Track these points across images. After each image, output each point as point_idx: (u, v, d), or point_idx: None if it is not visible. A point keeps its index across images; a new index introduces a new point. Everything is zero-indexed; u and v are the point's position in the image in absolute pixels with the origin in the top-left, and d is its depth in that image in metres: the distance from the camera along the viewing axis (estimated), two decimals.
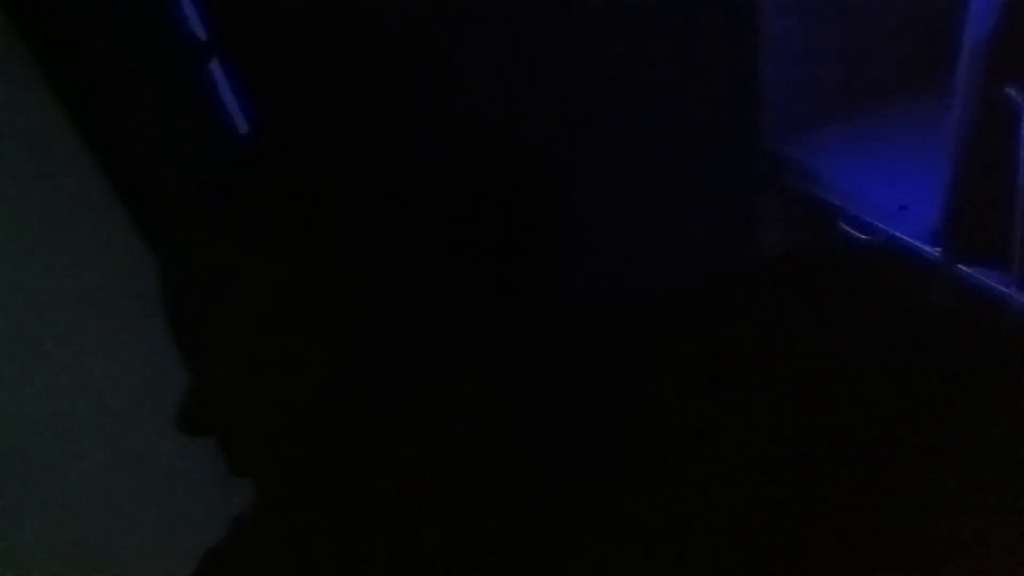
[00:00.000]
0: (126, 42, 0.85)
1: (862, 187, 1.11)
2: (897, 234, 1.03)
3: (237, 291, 0.63)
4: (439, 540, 0.64)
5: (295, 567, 0.66)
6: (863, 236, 1.05)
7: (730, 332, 0.87)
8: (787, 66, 1.20)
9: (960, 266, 0.96)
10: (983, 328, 0.92)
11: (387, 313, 0.64)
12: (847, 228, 1.08)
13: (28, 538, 0.97)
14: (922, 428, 0.79)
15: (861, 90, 1.25)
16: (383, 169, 0.70)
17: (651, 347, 0.83)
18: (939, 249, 0.97)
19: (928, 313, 0.96)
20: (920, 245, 1.00)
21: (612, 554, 0.65)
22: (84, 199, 0.89)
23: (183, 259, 0.67)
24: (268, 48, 0.88)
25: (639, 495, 0.68)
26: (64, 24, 0.83)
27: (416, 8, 0.94)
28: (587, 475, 0.69)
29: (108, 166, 0.88)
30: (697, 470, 0.71)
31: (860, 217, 1.08)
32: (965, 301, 0.94)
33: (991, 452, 0.75)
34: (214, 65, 0.85)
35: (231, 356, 0.63)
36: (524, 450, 0.68)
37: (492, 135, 0.87)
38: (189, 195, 0.78)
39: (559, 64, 1.06)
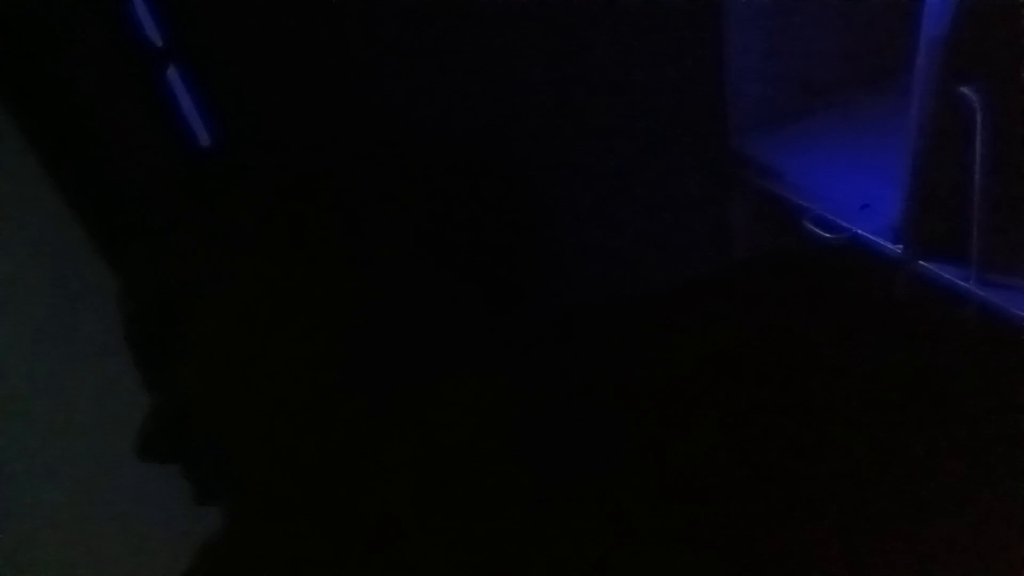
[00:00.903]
0: (79, 51, 0.83)
1: (825, 186, 1.12)
2: (860, 232, 1.04)
3: (215, 299, 0.61)
4: (433, 539, 0.64)
5: (290, 563, 0.65)
6: (827, 235, 1.06)
7: (697, 331, 0.87)
8: (750, 65, 1.22)
9: (921, 262, 0.97)
10: (945, 322, 0.93)
11: (378, 315, 0.63)
12: (812, 227, 1.09)
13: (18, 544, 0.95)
14: (890, 422, 0.80)
15: (822, 89, 1.27)
16: (366, 172, 0.69)
17: (627, 347, 0.83)
18: (901, 246, 0.99)
19: (891, 309, 0.97)
20: (883, 242, 1.01)
21: (608, 554, 0.65)
22: (37, 218, 0.88)
23: (147, 275, 0.66)
24: (228, 53, 0.87)
25: (632, 495, 0.69)
26: (13, 34, 0.81)
27: (384, 8, 0.94)
28: (580, 473, 0.69)
29: (64, 180, 0.86)
30: (678, 469, 0.71)
31: (824, 216, 1.09)
32: (927, 296, 0.95)
33: (959, 444, 0.76)
34: (171, 72, 0.84)
35: (210, 364, 0.61)
36: (518, 449, 0.67)
37: (457, 135, 0.87)
38: (152, 206, 0.77)
39: (524, 63, 1.06)
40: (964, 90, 0.85)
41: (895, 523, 0.71)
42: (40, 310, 0.90)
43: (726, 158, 1.24)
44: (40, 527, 0.97)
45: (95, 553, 1.00)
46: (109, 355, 0.92)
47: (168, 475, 0.95)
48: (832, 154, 1.17)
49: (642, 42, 1.13)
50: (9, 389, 0.91)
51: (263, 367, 0.60)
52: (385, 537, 0.63)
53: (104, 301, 0.90)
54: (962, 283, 0.92)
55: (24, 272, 0.89)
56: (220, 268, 0.62)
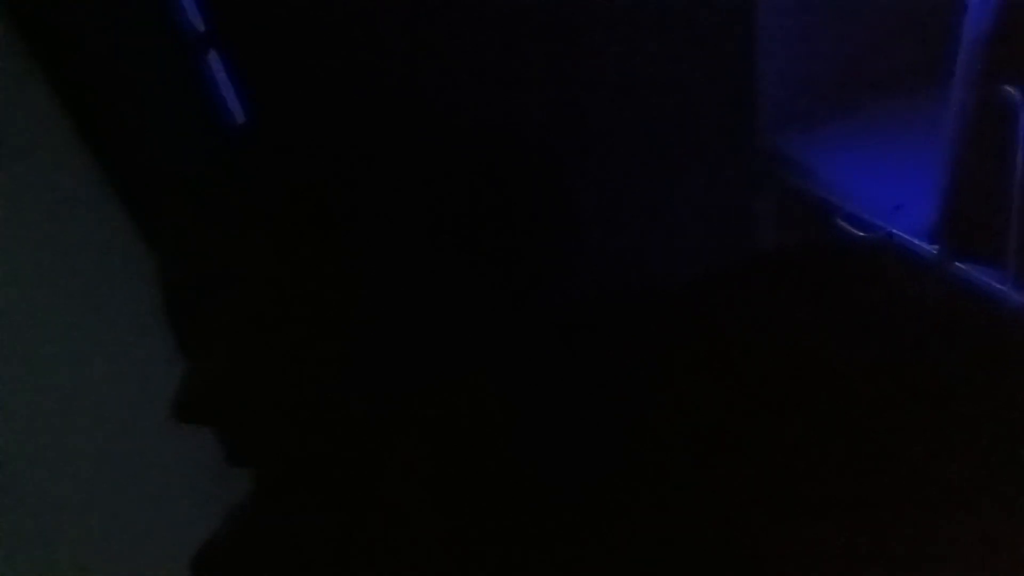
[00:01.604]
0: (123, 35, 0.84)
1: (859, 184, 1.11)
2: (894, 231, 1.03)
3: (237, 286, 0.62)
4: (437, 538, 0.64)
5: (292, 560, 0.66)
6: (860, 233, 1.05)
7: (727, 330, 0.87)
8: (784, 63, 1.21)
9: (957, 263, 0.96)
10: (980, 325, 0.92)
11: (387, 310, 0.64)
12: (844, 225, 1.08)
13: (25, 537, 0.97)
14: (920, 425, 0.79)
15: (859, 88, 1.25)
16: (382, 164, 0.70)
17: (649, 345, 0.83)
18: (936, 246, 0.98)
19: (925, 310, 0.96)
20: (917, 242, 1.00)
21: (611, 555, 0.65)
22: (81, 196, 0.89)
23: (181, 254, 0.67)
24: (267, 39, 0.88)
25: (637, 495, 0.68)
26: (60, 18, 0.83)
27: (418, 2, 0.94)
28: (585, 475, 0.69)
29: (105, 162, 0.88)
30: (695, 469, 0.71)
31: (857, 214, 1.08)
32: (962, 298, 0.94)
33: (990, 450, 0.75)
34: (212, 57, 0.85)
35: (229, 350, 0.63)
36: (523, 449, 0.68)
37: (490, 132, 0.87)
38: (187, 190, 0.78)
39: (557, 60, 1.06)
40: (1007, 88, 0.83)
41: (919, 524, 0.71)
42: (40, 311, 0.92)
43: (759, 155, 1.23)
44: (44, 525, 0.98)
45: (100, 550, 1.01)
46: (114, 354, 0.94)
47: (172, 472, 0.97)
48: (866, 153, 1.16)
49: (677, 40, 1.12)
50: (12, 388, 0.92)
51: (274, 358, 0.61)
52: (388, 534, 0.64)
53: (108, 300, 0.92)
54: (999, 286, 0.91)
55: (63, 254, 0.91)
56: (249, 251, 0.63)
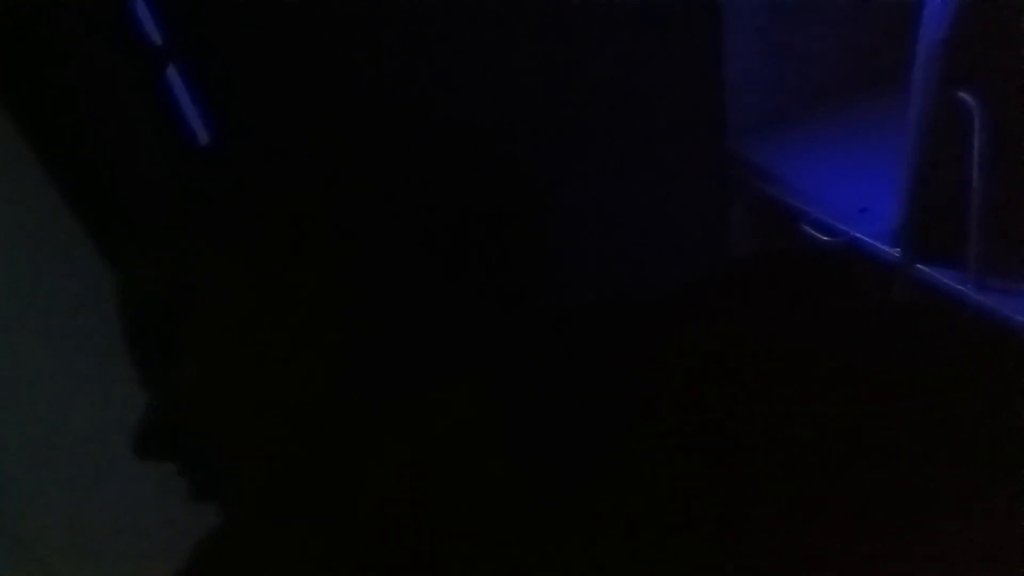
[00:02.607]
0: (78, 49, 0.83)
1: (823, 189, 1.12)
2: (858, 235, 1.05)
3: (213, 299, 0.61)
4: (429, 542, 0.64)
5: (280, 567, 0.65)
6: (825, 238, 1.07)
7: (698, 335, 0.87)
8: (748, 68, 1.22)
9: (919, 266, 0.97)
10: (942, 326, 0.94)
11: (371, 317, 0.63)
12: (810, 230, 1.09)
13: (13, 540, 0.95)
14: (885, 426, 0.80)
15: (821, 92, 1.27)
16: (357, 172, 0.69)
17: (625, 351, 0.83)
18: (899, 250, 0.99)
19: (889, 312, 0.97)
20: (880, 246, 1.01)
21: (605, 557, 0.65)
22: (39, 219, 0.87)
23: (144, 274, 0.65)
24: (228, 53, 0.87)
25: (631, 498, 0.68)
26: (11, 32, 0.81)
27: (383, 10, 0.94)
28: (576, 478, 0.68)
29: (64, 181, 0.86)
30: (679, 473, 0.71)
31: (821, 219, 1.09)
32: (925, 300, 0.95)
33: (955, 449, 0.76)
34: (171, 71, 0.84)
35: (206, 364, 0.61)
36: (513, 453, 0.67)
37: (462, 140, 0.87)
38: (151, 206, 0.77)
39: (530, 67, 1.06)
40: (962, 94, 0.85)
41: (890, 526, 0.71)
42: (39, 311, 0.90)
43: (724, 161, 1.24)
44: (40, 528, 0.97)
45: (95, 553, 1.00)
46: (109, 355, 0.92)
47: (168, 476, 0.95)
48: (831, 157, 1.18)
49: (641, 45, 1.13)
50: (8, 390, 0.91)
51: (259, 366, 0.60)
52: (380, 539, 0.63)
53: (104, 301, 0.90)
54: (960, 287, 0.92)
55: (23, 273, 0.89)
56: (217, 269, 0.62)
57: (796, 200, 1.15)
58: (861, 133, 1.20)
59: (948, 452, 0.75)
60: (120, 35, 0.83)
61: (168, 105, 0.85)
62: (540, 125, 1.08)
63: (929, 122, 0.90)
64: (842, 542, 0.69)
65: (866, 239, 1.04)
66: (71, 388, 0.94)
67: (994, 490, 0.72)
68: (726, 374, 0.82)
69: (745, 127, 1.24)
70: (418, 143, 0.76)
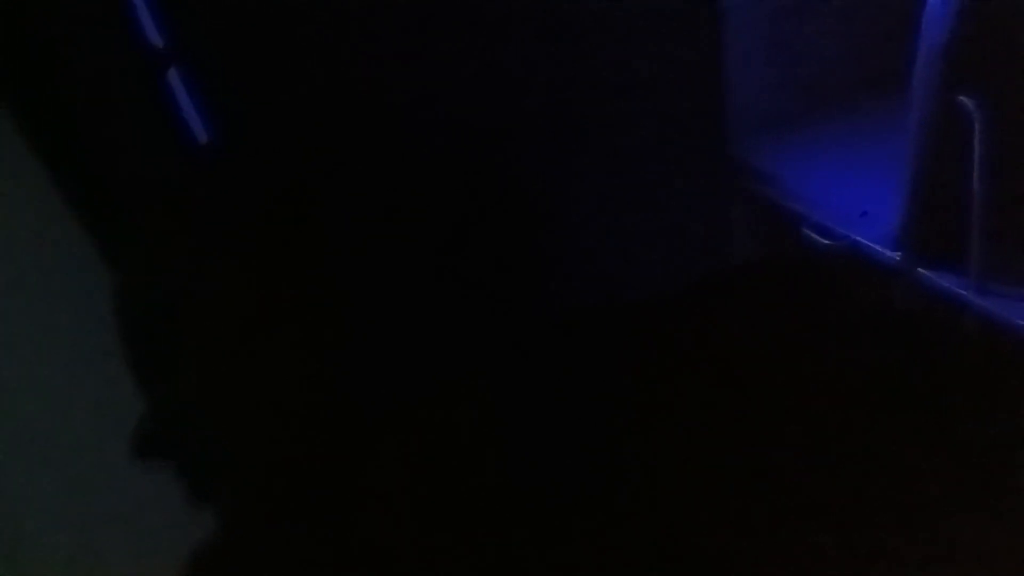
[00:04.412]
0: (82, 52, 0.83)
1: (825, 193, 1.12)
2: (859, 239, 1.04)
3: (212, 299, 0.62)
4: (425, 542, 0.64)
5: (277, 568, 0.65)
6: (826, 241, 1.06)
7: (696, 338, 0.87)
8: (750, 72, 1.22)
9: (920, 269, 0.97)
10: (942, 329, 0.93)
11: (373, 319, 0.63)
12: (811, 234, 1.09)
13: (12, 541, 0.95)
14: (885, 426, 0.80)
15: (823, 96, 1.27)
16: (357, 174, 0.69)
17: (624, 353, 0.83)
18: (899, 253, 0.99)
19: (889, 315, 0.97)
20: (881, 249, 1.01)
21: (601, 559, 0.65)
22: (40, 220, 0.87)
23: (145, 275, 0.66)
24: (229, 53, 0.87)
25: (627, 498, 0.68)
26: (19, 35, 0.81)
27: (380, 11, 0.94)
28: (572, 478, 0.68)
29: (65, 181, 0.86)
30: (679, 473, 0.71)
31: (823, 223, 1.09)
32: (925, 304, 0.95)
33: (955, 450, 0.76)
34: (172, 73, 0.84)
35: (205, 364, 0.62)
36: (511, 454, 0.67)
37: (461, 141, 0.87)
38: (152, 206, 0.77)
39: (530, 71, 1.06)
40: (962, 99, 0.85)
41: (891, 526, 0.71)
42: (40, 312, 0.90)
43: (726, 165, 1.24)
44: (39, 528, 0.97)
45: (94, 554, 0.99)
46: (109, 357, 0.92)
47: (168, 476, 0.95)
48: (832, 161, 1.17)
49: (642, 48, 1.13)
50: (9, 391, 0.91)
51: (257, 369, 0.60)
52: (377, 540, 0.63)
53: (103, 303, 0.90)
54: (960, 291, 0.92)
55: (24, 274, 0.89)
56: (216, 269, 0.62)
57: (797, 204, 1.15)
58: (862, 137, 1.20)
59: (949, 454, 0.75)
60: (122, 37, 0.83)
61: (169, 106, 0.85)
62: (541, 129, 1.08)
63: (930, 126, 0.90)
64: (844, 541, 0.69)
65: (867, 243, 1.03)
66: (71, 389, 0.94)
67: (996, 491, 0.72)
68: (728, 376, 0.82)
69: (746, 130, 1.24)
70: (419, 147, 0.76)
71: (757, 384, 0.82)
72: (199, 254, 0.64)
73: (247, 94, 0.88)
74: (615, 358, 0.82)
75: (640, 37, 1.12)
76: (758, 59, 1.21)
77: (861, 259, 1.02)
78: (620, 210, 1.17)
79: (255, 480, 0.65)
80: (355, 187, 0.69)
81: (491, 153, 0.88)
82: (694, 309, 0.87)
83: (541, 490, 0.68)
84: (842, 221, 1.07)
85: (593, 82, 1.12)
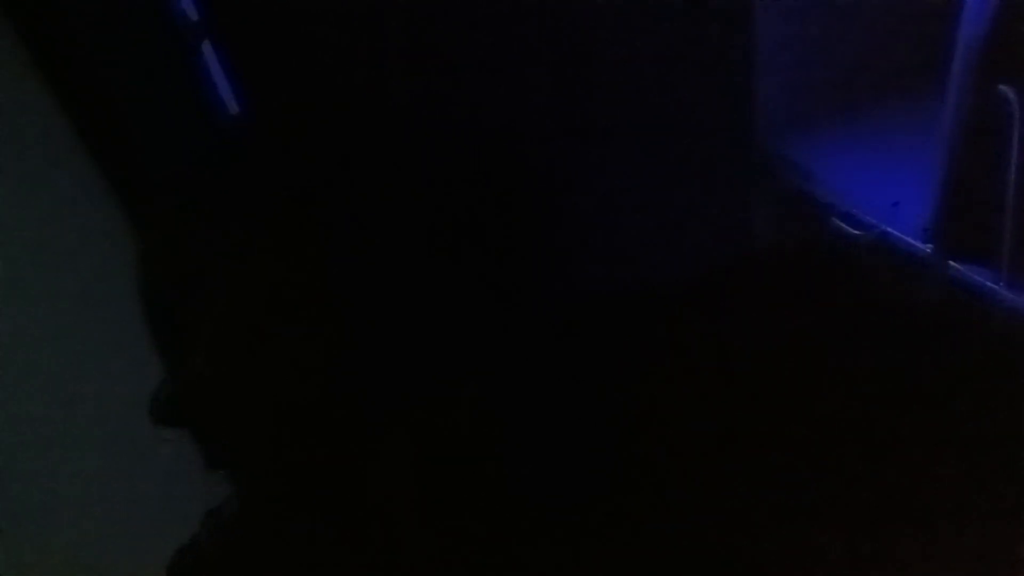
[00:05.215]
0: (113, 25, 0.83)
1: (855, 184, 1.11)
2: (889, 230, 1.04)
3: (226, 284, 0.62)
4: (425, 541, 0.64)
5: (273, 562, 0.66)
6: (856, 232, 1.05)
7: (724, 329, 0.87)
8: (781, 65, 1.21)
9: (951, 263, 0.96)
10: (973, 324, 0.92)
11: (377, 312, 0.63)
12: (840, 224, 1.08)
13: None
14: (913, 424, 0.79)
15: (855, 88, 1.25)
16: (376, 162, 0.69)
17: (644, 345, 0.83)
18: (930, 246, 0.98)
19: (919, 309, 0.96)
20: (912, 241, 1.00)
21: (602, 559, 0.65)
22: (77, 194, 0.88)
23: (166, 253, 0.66)
24: (264, 29, 0.87)
25: (632, 496, 0.68)
26: (50, 9, 0.82)
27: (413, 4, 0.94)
28: (577, 478, 0.68)
29: (101, 157, 0.87)
30: (692, 469, 0.71)
31: (853, 213, 1.08)
32: (955, 297, 0.94)
33: (984, 449, 0.75)
34: (206, 47, 0.84)
35: (214, 350, 0.62)
36: (514, 453, 0.67)
37: (486, 134, 0.86)
38: (179, 185, 0.77)
39: (550, 61, 1.06)
40: (1002, 88, 0.84)
41: (912, 525, 0.71)
42: (43, 309, 0.91)
43: (755, 154, 1.24)
44: (45, 525, 0.98)
45: (101, 550, 1.00)
46: (112, 355, 0.93)
47: (172, 472, 0.97)
48: (864, 152, 1.16)
49: (674, 41, 1.13)
50: (13, 387, 0.92)
51: (266, 352, 0.61)
52: (374, 535, 0.63)
53: (109, 299, 0.91)
54: (992, 286, 0.91)
55: (40, 263, 0.90)
56: (235, 251, 0.62)
57: (827, 193, 1.14)
58: (895, 127, 1.19)
59: (977, 449, 0.74)
60: (155, 11, 0.83)
61: (202, 81, 0.86)
62: (568, 126, 1.07)
63: (967, 116, 0.88)
64: (870, 543, 0.68)
65: (897, 234, 1.02)
66: (73, 387, 0.94)
67: (1019, 489, 0.71)
68: (753, 370, 0.81)
69: (777, 119, 1.23)
70: (437, 134, 0.76)
71: (783, 377, 0.81)
72: (221, 235, 0.65)
73: (283, 73, 0.89)
74: (639, 355, 0.81)
75: (671, 29, 1.12)
76: (790, 49, 1.20)
77: (891, 250, 1.02)
78: (649, 202, 1.17)
79: (248, 478, 0.66)
80: (382, 176, 0.69)
81: (513, 147, 0.87)
82: (724, 299, 0.87)
83: (549, 483, 0.68)
84: (873, 211, 1.06)
85: (623, 75, 1.12)
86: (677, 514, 0.68)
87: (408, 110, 0.86)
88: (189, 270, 0.63)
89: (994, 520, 0.71)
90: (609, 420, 0.74)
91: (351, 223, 0.65)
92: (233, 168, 0.72)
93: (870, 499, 0.72)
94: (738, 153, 1.23)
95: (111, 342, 0.92)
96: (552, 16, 1.03)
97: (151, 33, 0.84)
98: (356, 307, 0.63)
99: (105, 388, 0.94)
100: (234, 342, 0.62)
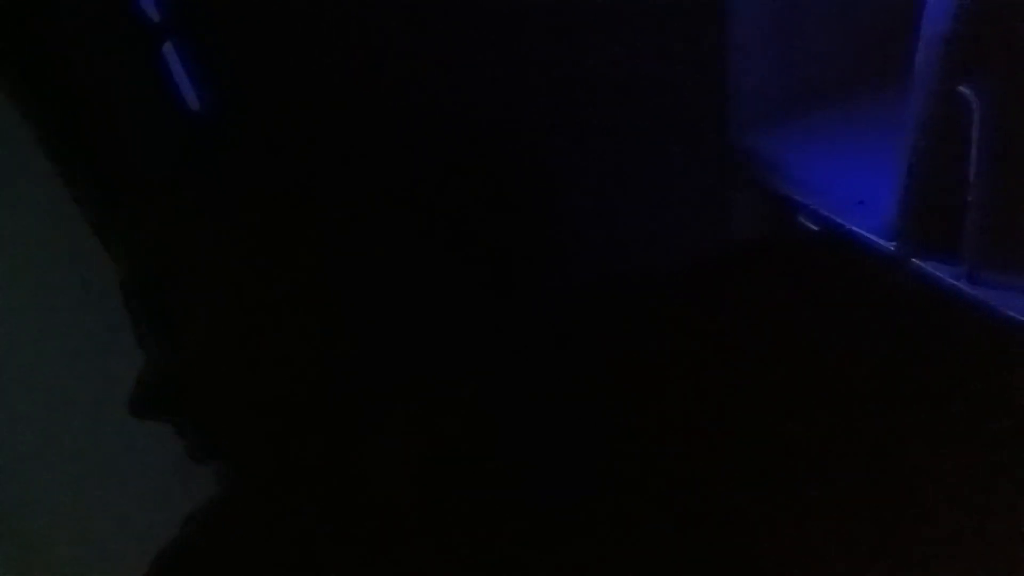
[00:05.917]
0: (75, 26, 0.82)
1: (821, 182, 1.12)
2: (854, 228, 1.05)
3: (204, 279, 0.61)
4: (417, 536, 0.64)
5: (250, 562, 0.65)
6: (822, 230, 1.07)
7: (691, 328, 0.87)
8: (749, 61, 1.21)
9: (914, 260, 0.97)
10: (936, 320, 0.94)
11: (371, 305, 0.63)
12: (806, 222, 1.09)
13: None
14: (878, 418, 0.80)
15: (822, 85, 1.27)
16: (351, 159, 0.69)
17: (619, 342, 0.83)
18: (894, 243, 0.99)
19: (884, 305, 0.97)
20: (876, 239, 1.01)
21: (599, 556, 0.65)
22: (38, 193, 0.87)
23: (142, 247, 0.65)
24: (228, 29, 0.86)
25: (626, 492, 0.68)
26: (6, 8, 0.80)
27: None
28: (572, 471, 0.68)
29: (60, 156, 0.86)
30: (678, 465, 0.71)
31: (819, 211, 1.09)
32: (919, 294, 0.96)
33: (948, 441, 0.76)
34: (167, 48, 0.83)
35: (193, 342, 0.62)
36: (510, 444, 0.67)
37: (466, 129, 0.86)
38: (148, 185, 0.76)
39: (520, 56, 1.05)
40: (962, 89, 0.85)
41: (888, 521, 0.72)
42: (40, 308, 0.90)
43: (723, 152, 1.24)
44: (42, 525, 0.97)
45: (97, 550, 0.99)
46: (111, 354, 0.92)
47: (170, 471, 0.96)
48: (829, 149, 1.17)
49: (643, 37, 1.13)
50: (10, 387, 0.91)
51: (255, 330, 0.60)
52: (368, 526, 0.63)
53: (104, 298, 0.89)
54: (954, 282, 0.92)
55: (23, 264, 0.88)
56: (211, 246, 0.62)
57: (793, 191, 1.15)
58: (860, 126, 1.20)
59: (941, 445, 0.76)
60: (117, 11, 0.82)
61: (164, 81, 0.84)
62: (543, 117, 1.07)
63: (929, 116, 0.90)
64: (837, 537, 0.69)
65: (862, 232, 1.04)
66: (72, 387, 0.93)
67: (989, 484, 0.72)
68: (722, 364, 0.82)
69: (744, 118, 1.24)
70: (421, 131, 0.75)
71: (749, 374, 0.81)
72: (195, 232, 0.64)
73: (244, 70, 0.87)
74: (608, 350, 0.81)
75: (641, 26, 1.12)
76: (759, 47, 1.21)
77: (856, 248, 1.03)
78: (618, 197, 1.17)
79: (233, 474, 0.65)
80: (355, 167, 0.68)
81: (489, 144, 0.87)
82: (690, 297, 0.87)
83: (540, 480, 0.68)
84: (838, 210, 1.07)
85: (595, 71, 1.12)
86: (664, 506, 0.69)
87: (388, 106, 0.85)
88: (168, 263, 0.63)
89: (960, 511, 0.72)
90: (594, 414, 0.74)
91: (321, 216, 0.64)
92: (204, 165, 0.71)
93: (834, 492, 0.73)
94: (708, 149, 1.23)
95: (99, 343, 0.91)
96: (523, 13, 1.03)
97: (111, 34, 0.83)
98: (336, 298, 0.63)
99: (92, 390, 0.93)
100: (216, 329, 0.61)
